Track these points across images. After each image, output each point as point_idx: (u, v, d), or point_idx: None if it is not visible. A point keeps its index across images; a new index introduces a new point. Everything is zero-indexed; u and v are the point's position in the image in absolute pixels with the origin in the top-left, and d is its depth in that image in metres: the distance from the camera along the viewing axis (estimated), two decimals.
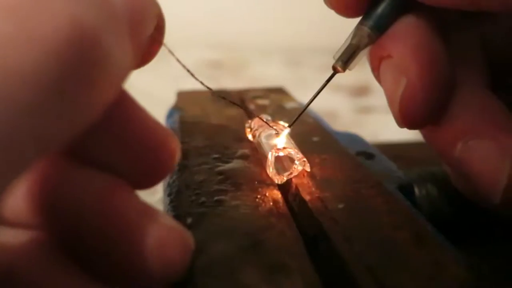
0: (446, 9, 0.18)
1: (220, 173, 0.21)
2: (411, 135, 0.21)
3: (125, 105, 0.15)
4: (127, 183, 0.15)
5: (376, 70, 0.21)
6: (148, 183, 0.16)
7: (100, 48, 0.12)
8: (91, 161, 0.14)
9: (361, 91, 0.65)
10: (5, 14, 0.10)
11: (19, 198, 0.14)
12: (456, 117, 0.19)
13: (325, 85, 0.21)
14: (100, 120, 0.13)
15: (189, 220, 0.18)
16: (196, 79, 0.19)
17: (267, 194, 0.20)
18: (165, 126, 0.26)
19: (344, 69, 0.21)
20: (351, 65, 0.21)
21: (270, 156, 0.21)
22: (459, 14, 0.20)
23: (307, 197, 0.19)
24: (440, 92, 0.19)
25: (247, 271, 0.15)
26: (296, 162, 0.21)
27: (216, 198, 0.19)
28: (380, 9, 0.20)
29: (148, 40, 0.15)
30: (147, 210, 0.15)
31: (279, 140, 0.22)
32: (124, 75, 0.13)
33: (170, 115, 0.31)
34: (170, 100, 0.33)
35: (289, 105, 0.32)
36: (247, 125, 0.25)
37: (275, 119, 0.25)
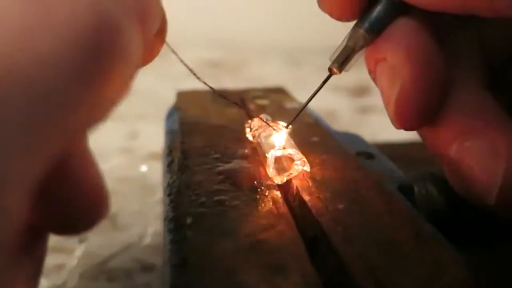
0: (438, 12, 0.18)
1: (220, 173, 0.21)
2: (411, 135, 0.21)
3: (82, 156, 0.15)
4: (47, 226, 0.14)
5: (372, 73, 0.21)
6: (68, 232, 0.15)
7: (118, 36, 0.12)
8: None
9: (361, 91, 0.65)
10: (27, 2, 0.10)
11: None
12: (452, 117, 0.19)
13: (321, 87, 0.22)
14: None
15: (189, 220, 0.18)
16: (199, 78, 0.19)
17: (267, 194, 0.20)
18: (167, 126, 0.26)
19: (340, 71, 0.21)
20: (347, 67, 0.21)
21: (270, 156, 0.21)
22: (455, 16, 0.20)
23: (307, 197, 0.19)
24: (435, 94, 0.19)
25: (247, 271, 0.15)
26: (296, 162, 0.21)
27: (216, 198, 0.19)
28: (375, 12, 0.20)
29: (152, 39, 0.15)
30: None
31: (278, 140, 0.22)
32: (135, 69, 0.13)
33: (170, 115, 0.31)
34: (170, 100, 0.33)
35: (289, 105, 0.32)
36: (247, 125, 0.25)
37: (275, 119, 0.25)
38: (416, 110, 0.19)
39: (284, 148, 0.21)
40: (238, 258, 0.15)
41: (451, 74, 0.19)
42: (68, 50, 0.10)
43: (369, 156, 0.25)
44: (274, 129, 0.23)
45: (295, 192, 0.20)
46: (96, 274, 0.29)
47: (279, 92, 0.36)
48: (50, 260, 0.21)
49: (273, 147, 0.22)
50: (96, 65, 0.11)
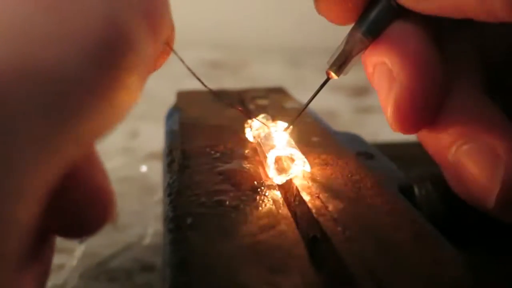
0: (435, 16, 0.18)
1: (220, 173, 0.21)
2: (411, 136, 0.21)
3: (89, 162, 0.15)
4: (54, 228, 0.14)
5: (371, 77, 0.21)
6: (74, 235, 0.16)
7: (131, 46, 0.12)
8: None
9: (361, 91, 0.64)
10: (46, 10, 0.10)
11: None
12: (451, 120, 0.19)
13: (318, 91, 0.22)
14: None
15: (189, 220, 0.18)
16: (199, 79, 0.19)
17: (267, 195, 0.20)
18: (168, 124, 0.26)
19: (337, 75, 0.21)
20: (345, 70, 0.21)
21: (270, 156, 0.21)
22: (452, 19, 0.20)
23: (307, 197, 0.19)
24: (433, 97, 0.19)
25: (247, 271, 0.15)
26: (296, 162, 0.21)
27: (216, 198, 0.19)
28: (372, 15, 0.20)
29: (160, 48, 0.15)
30: None
31: (279, 140, 0.22)
32: (145, 77, 0.13)
33: (170, 115, 0.31)
34: (170, 100, 0.33)
35: (289, 105, 0.32)
36: (246, 125, 0.25)
37: (275, 119, 0.25)
38: (414, 114, 0.19)
39: (284, 148, 0.21)
40: (238, 258, 0.15)
41: (450, 77, 0.19)
42: (82, 59, 0.11)
43: (369, 156, 0.25)
44: (270, 129, 0.23)
45: (295, 192, 0.20)
46: (96, 274, 0.29)
47: (279, 92, 0.36)
48: None
49: (273, 147, 0.22)
50: (108, 74, 0.11)
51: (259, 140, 0.23)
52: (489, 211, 0.19)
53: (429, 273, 0.15)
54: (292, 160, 0.21)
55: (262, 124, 0.24)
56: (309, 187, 0.20)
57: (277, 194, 0.20)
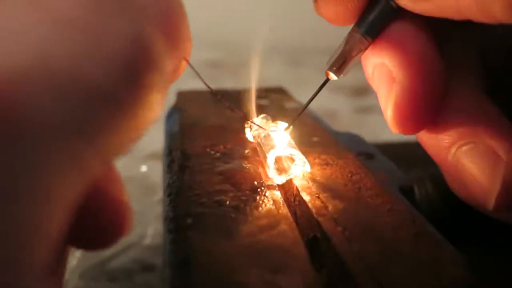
0: (434, 17, 0.18)
1: (220, 173, 0.21)
2: (411, 136, 0.21)
3: (110, 179, 0.15)
4: (72, 241, 0.15)
5: (370, 78, 0.21)
6: (91, 248, 0.16)
7: (157, 63, 0.12)
8: None
9: (361, 91, 0.64)
10: (79, 30, 0.11)
11: None
12: (450, 121, 0.19)
13: (318, 91, 0.22)
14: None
15: (189, 220, 0.18)
16: (205, 83, 0.19)
17: (267, 195, 0.20)
18: (167, 125, 0.26)
19: (337, 76, 0.21)
20: (344, 71, 0.21)
21: (270, 156, 0.21)
22: (453, 20, 0.20)
23: (307, 198, 0.19)
24: (433, 98, 0.19)
25: (247, 271, 0.15)
26: (296, 162, 0.21)
27: (216, 198, 0.19)
28: (372, 16, 0.20)
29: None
30: None
31: (279, 140, 0.22)
32: (166, 92, 0.14)
33: (170, 115, 0.31)
34: (170, 100, 0.33)
35: (289, 105, 0.32)
36: (246, 125, 0.25)
37: (275, 119, 0.25)
38: (414, 115, 0.19)
39: (284, 148, 0.21)
40: (238, 258, 0.15)
41: (449, 78, 0.19)
42: (112, 77, 0.11)
43: (369, 156, 0.25)
44: (270, 129, 0.23)
45: (295, 192, 0.20)
46: (96, 274, 0.29)
47: (279, 92, 0.36)
48: None
49: (273, 147, 0.22)
50: (134, 91, 0.12)
51: (259, 140, 0.23)
52: (489, 212, 0.19)
53: (429, 272, 0.15)
54: (292, 160, 0.21)
55: (261, 124, 0.24)
56: (309, 187, 0.20)
57: (277, 194, 0.20)
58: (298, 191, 0.20)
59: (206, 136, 0.26)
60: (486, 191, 0.18)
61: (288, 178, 0.21)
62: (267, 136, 0.23)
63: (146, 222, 0.34)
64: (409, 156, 0.27)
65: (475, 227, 0.22)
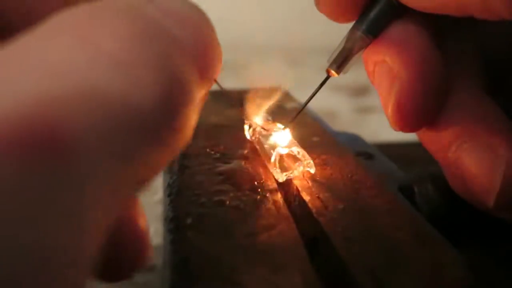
0: (437, 15, 0.18)
1: (220, 173, 0.21)
2: (411, 136, 0.21)
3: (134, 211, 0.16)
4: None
5: (371, 75, 0.21)
6: (109, 279, 0.16)
7: (187, 94, 0.13)
8: None
9: (361, 91, 0.64)
10: (120, 63, 0.11)
11: None
12: (451, 119, 0.19)
13: (318, 89, 0.22)
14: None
15: (189, 221, 0.18)
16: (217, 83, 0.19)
17: (267, 195, 0.20)
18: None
19: (338, 73, 0.21)
20: (345, 69, 0.21)
21: (275, 154, 0.21)
22: (454, 18, 0.20)
23: (307, 198, 0.19)
24: (434, 95, 0.19)
25: (247, 271, 0.15)
26: (303, 162, 0.21)
27: (216, 198, 0.19)
28: (373, 13, 0.20)
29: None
30: None
31: (283, 139, 0.22)
32: (197, 116, 0.14)
33: None
34: None
35: (289, 105, 0.32)
36: (246, 125, 0.25)
37: (275, 119, 0.25)
38: (415, 112, 0.19)
39: (289, 146, 0.21)
40: (238, 258, 0.15)
41: (451, 76, 0.19)
42: (152, 106, 0.11)
43: (369, 156, 0.25)
44: (271, 128, 0.23)
45: (295, 192, 0.20)
46: None
47: (279, 92, 0.36)
48: None
49: (275, 145, 0.22)
50: (171, 120, 0.12)
51: (259, 139, 0.23)
52: (489, 209, 0.19)
53: (429, 272, 0.15)
54: (294, 158, 0.21)
55: (262, 123, 0.24)
56: (309, 187, 0.20)
57: (277, 194, 0.20)
58: (298, 191, 0.20)
59: (206, 136, 0.26)
60: (486, 188, 0.18)
61: (290, 177, 0.21)
62: (267, 135, 0.23)
63: (146, 222, 0.34)
64: (409, 156, 0.27)
65: (475, 227, 0.22)
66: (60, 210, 0.10)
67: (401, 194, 0.20)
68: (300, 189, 0.20)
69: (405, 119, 0.19)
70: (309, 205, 0.19)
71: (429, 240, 0.17)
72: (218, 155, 0.23)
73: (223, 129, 0.27)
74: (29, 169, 0.09)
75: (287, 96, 0.35)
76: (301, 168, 0.21)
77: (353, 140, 0.27)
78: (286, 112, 0.31)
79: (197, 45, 0.14)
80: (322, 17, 0.21)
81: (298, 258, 0.15)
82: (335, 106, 0.59)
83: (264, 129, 0.23)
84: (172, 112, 0.12)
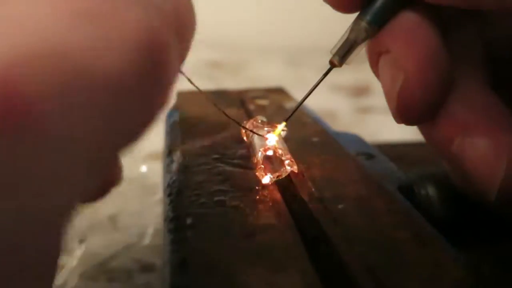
0: (442, 6, 0.18)
1: (220, 173, 0.21)
2: (411, 136, 0.21)
3: None
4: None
5: (374, 66, 0.21)
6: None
7: (165, 53, 0.12)
8: None
9: (361, 91, 0.64)
10: (88, 20, 0.11)
11: None
12: (454, 112, 0.19)
13: (321, 79, 0.21)
14: None
15: (188, 221, 0.18)
16: (190, 81, 0.19)
17: (267, 195, 0.20)
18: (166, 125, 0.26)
19: (341, 64, 0.21)
20: (348, 59, 0.21)
21: (259, 155, 0.21)
22: (460, 11, 0.20)
23: (306, 198, 0.19)
24: (438, 88, 0.19)
25: (247, 271, 0.15)
26: (285, 162, 0.21)
27: (216, 198, 0.19)
28: (378, 4, 0.19)
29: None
30: None
31: (269, 140, 0.22)
32: (174, 83, 0.14)
33: (170, 115, 0.31)
34: (170, 100, 0.33)
35: (289, 105, 0.32)
36: (243, 125, 0.25)
37: (275, 119, 0.25)
38: (419, 104, 0.19)
39: (273, 147, 0.21)
40: (238, 258, 0.15)
41: (455, 68, 0.19)
42: (124, 67, 0.11)
43: (369, 156, 0.25)
44: (263, 130, 0.23)
45: (295, 192, 0.20)
46: (96, 274, 0.29)
47: (279, 92, 0.36)
48: None
49: (262, 147, 0.21)
50: (149, 82, 0.12)
51: (251, 140, 0.23)
52: (491, 203, 0.19)
53: (429, 273, 0.15)
54: (282, 160, 0.21)
55: (257, 124, 0.24)
56: (308, 188, 0.20)
57: (277, 194, 0.20)
58: (298, 192, 0.20)
59: (206, 136, 0.26)
60: (488, 182, 0.18)
61: (277, 179, 0.20)
62: (259, 137, 0.23)
63: (146, 222, 0.34)
64: (409, 156, 0.27)
65: (476, 227, 0.22)
66: (34, 173, 0.10)
67: (401, 194, 0.20)
68: (299, 189, 0.20)
69: (409, 111, 0.19)
70: (309, 205, 0.19)
71: (429, 240, 0.17)
72: (218, 155, 0.23)
73: (223, 129, 0.27)
74: None
75: (287, 96, 0.35)
76: (286, 169, 0.21)
77: (353, 140, 0.27)
78: (286, 112, 0.31)
79: (175, 10, 0.13)
80: (322, 17, 0.21)
81: (298, 258, 0.15)
82: (335, 106, 0.59)
83: (253, 132, 0.23)
84: (148, 70, 0.12)
